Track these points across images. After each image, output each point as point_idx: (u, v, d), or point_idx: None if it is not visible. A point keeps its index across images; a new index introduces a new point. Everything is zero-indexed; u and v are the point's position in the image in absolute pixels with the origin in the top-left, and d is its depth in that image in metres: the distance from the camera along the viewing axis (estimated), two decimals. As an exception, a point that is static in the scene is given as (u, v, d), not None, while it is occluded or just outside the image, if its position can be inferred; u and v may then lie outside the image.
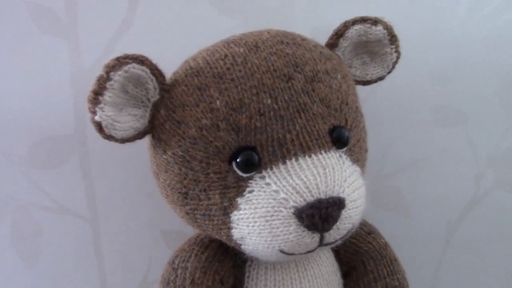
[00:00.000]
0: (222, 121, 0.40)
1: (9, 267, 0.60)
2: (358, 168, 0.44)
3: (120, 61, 0.39)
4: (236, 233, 0.41)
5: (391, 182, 0.66)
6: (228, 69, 0.41)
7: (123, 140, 0.41)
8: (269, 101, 0.40)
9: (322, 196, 0.38)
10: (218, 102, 0.40)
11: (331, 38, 0.47)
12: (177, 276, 0.44)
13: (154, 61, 0.41)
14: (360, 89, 0.49)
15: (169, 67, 0.44)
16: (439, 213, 0.67)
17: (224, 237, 0.43)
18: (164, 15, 0.59)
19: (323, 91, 0.41)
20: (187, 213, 0.43)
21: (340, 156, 0.42)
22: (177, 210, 0.45)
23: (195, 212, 0.42)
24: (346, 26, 0.46)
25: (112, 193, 0.61)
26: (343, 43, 0.47)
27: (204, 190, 0.41)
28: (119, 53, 0.58)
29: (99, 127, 0.39)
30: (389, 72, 0.49)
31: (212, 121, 0.40)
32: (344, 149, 0.43)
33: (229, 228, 0.41)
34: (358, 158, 0.45)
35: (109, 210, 0.62)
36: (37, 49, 0.58)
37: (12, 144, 0.59)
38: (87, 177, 0.61)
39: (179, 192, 0.42)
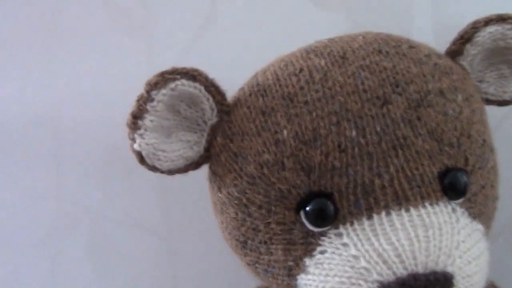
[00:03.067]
0: (288, 158, 0.32)
1: (84, 280, 0.58)
2: (479, 226, 0.34)
3: (165, 77, 0.33)
4: (304, 300, 0.33)
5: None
6: (301, 88, 0.33)
7: (170, 172, 0.35)
8: (353, 132, 0.31)
9: (420, 269, 0.29)
10: (285, 132, 0.32)
11: (454, 43, 0.38)
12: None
13: (211, 77, 0.34)
14: (491, 111, 0.39)
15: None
16: None
17: (292, 300, 0.35)
18: (252, 10, 0.54)
19: (433, 120, 0.32)
20: (248, 264, 0.36)
21: (454, 210, 0.32)
22: (239, 258, 0.38)
23: (256, 265, 0.35)
24: (475, 27, 0.36)
25: (187, 210, 0.57)
26: (471, 50, 0.37)
27: (265, 242, 0.34)
28: (198, 54, 0.53)
29: (139, 157, 0.34)
30: (536, 90, 0.39)
31: (276, 157, 0.32)
32: (460, 200, 0.33)
33: None
34: (482, 211, 0.34)
35: (183, 228, 0.58)
36: (113, 50, 0.55)
37: (88, 153, 0.57)
38: (161, 192, 0.57)
39: (236, 240, 0.36)
